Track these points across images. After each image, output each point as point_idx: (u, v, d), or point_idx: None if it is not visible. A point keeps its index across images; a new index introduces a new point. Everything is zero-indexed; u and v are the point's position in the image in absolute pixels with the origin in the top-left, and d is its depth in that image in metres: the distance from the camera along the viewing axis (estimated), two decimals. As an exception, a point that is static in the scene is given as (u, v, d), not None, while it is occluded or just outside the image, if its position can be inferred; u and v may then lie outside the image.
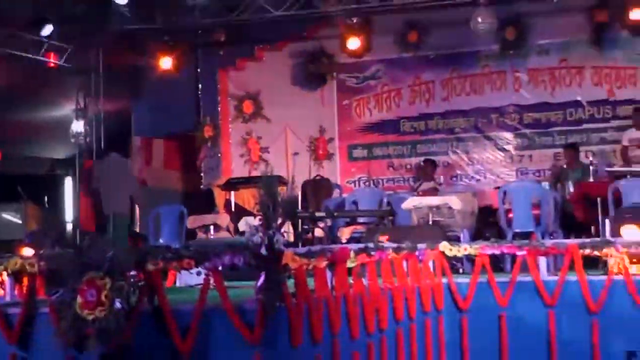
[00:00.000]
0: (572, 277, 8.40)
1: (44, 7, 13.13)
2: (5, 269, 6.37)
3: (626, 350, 8.00)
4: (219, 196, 14.55)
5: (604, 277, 8.41)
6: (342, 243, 11.17)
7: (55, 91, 14.91)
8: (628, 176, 11.61)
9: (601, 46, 14.13)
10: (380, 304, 7.30)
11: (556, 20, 14.28)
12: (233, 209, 13.39)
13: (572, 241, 8.83)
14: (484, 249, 8.72)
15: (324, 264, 6.43)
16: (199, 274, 5.98)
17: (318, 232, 12.38)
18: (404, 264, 8.03)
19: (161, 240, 12.10)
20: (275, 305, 5.72)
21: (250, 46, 15.99)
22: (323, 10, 14.22)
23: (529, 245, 8.75)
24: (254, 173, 15.56)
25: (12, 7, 12.77)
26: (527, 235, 10.63)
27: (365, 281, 7.20)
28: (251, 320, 5.75)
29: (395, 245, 8.00)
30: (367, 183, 15.53)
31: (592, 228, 11.27)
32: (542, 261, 8.75)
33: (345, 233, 12.40)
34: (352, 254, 6.93)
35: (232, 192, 13.51)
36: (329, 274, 6.58)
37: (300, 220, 12.11)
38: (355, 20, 14.53)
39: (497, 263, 9.20)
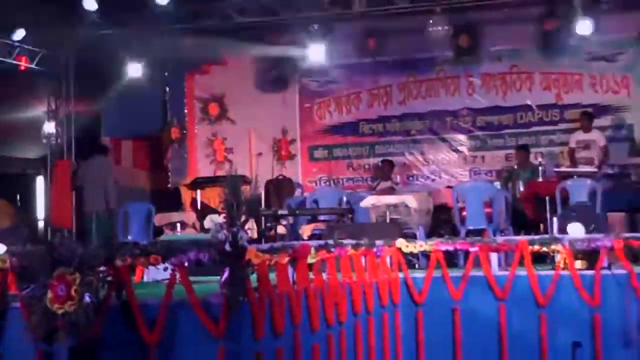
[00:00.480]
0: (522, 272, 8.45)
1: (16, 12, 13.01)
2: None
3: (572, 341, 8.04)
4: (186, 195, 14.51)
5: (551, 272, 8.47)
6: (303, 240, 11.16)
7: (27, 94, 14.80)
8: (574, 176, 11.70)
9: (549, 53, 14.22)
10: (339, 298, 7.30)
11: (507, 28, 14.36)
12: (199, 207, 13.34)
13: (522, 238, 8.87)
14: (439, 245, 8.75)
15: (285, 259, 6.43)
16: (165, 269, 5.96)
17: (280, 230, 12.37)
18: (362, 259, 8.04)
19: (130, 237, 12.03)
20: (239, 300, 5.70)
21: (215, 51, 15.92)
22: (286, 17, 14.21)
23: (481, 242, 8.79)
24: (219, 173, 15.52)
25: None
26: (479, 232, 10.69)
27: (325, 276, 7.20)
28: (216, 314, 5.73)
29: (354, 242, 8.01)
30: (327, 182, 15.54)
31: (541, 225, 11.33)
32: (494, 257, 8.80)
33: (306, 230, 12.39)
34: (312, 250, 6.94)
35: (198, 191, 13.46)
36: (290, 269, 6.58)
37: (263, 218, 12.10)
38: (316, 27, 14.53)
39: (451, 259, 9.22)
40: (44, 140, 15.07)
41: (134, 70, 14.71)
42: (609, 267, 8.35)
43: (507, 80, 14.86)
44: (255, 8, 14.12)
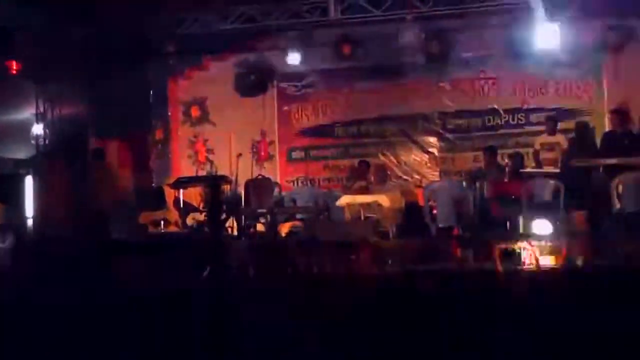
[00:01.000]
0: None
1: (6, 19, 12.94)
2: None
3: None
4: (169, 194, 14.44)
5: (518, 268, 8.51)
6: (281, 236, 11.17)
7: (16, 97, 14.73)
8: (539, 177, 11.75)
9: (515, 60, 14.26)
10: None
11: (476, 36, 14.37)
12: (182, 206, 13.31)
13: (490, 235, 8.92)
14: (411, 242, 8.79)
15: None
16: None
17: (260, 227, 12.37)
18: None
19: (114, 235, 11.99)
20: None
21: (197, 56, 15.92)
22: (265, 24, 14.21)
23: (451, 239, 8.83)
24: (201, 173, 15.49)
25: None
26: (449, 230, 10.71)
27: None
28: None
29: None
30: (304, 182, 15.52)
31: (507, 223, 11.36)
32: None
33: (284, 228, 12.41)
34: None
35: (181, 190, 13.42)
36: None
37: (243, 216, 12.10)
38: (294, 34, 14.53)
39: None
40: (33, 142, 15.01)
41: (120, 74, 14.65)
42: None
43: (475, 85, 14.90)
44: (236, 15, 14.11)
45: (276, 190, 14.32)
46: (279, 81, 15.65)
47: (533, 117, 14.44)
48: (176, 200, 13.57)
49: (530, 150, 13.73)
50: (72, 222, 13.29)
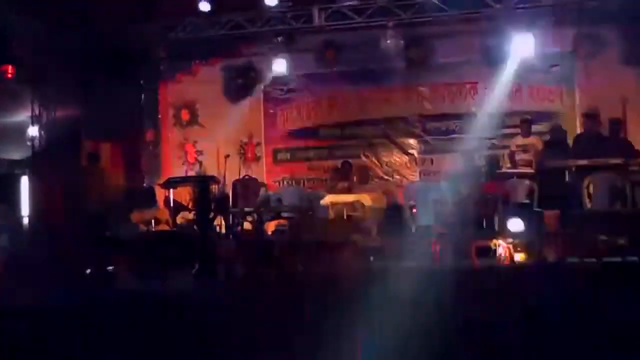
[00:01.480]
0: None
1: (2, 25, 12.91)
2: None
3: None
4: (160, 193, 14.42)
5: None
6: (267, 235, 11.17)
7: (12, 100, 14.69)
8: (514, 177, 11.80)
9: (492, 65, 14.30)
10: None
11: (454, 42, 14.40)
12: (172, 205, 13.30)
13: (467, 233, 8.95)
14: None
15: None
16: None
17: (247, 225, 12.37)
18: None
19: (107, 233, 11.98)
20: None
21: (187, 62, 15.92)
22: (252, 30, 14.21)
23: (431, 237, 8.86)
24: (190, 173, 15.50)
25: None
26: (428, 228, 10.73)
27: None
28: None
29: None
30: (290, 182, 15.53)
31: (484, 222, 11.39)
32: (442, 251, 8.88)
33: (270, 226, 12.42)
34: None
35: (171, 190, 13.40)
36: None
37: (231, 215, 12.10)
38: (279, 39, 14.55)
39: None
40: (28, 143, 14.97)
41: (113, 78, 14.63)
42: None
43: (453, 89, 14.94)
44: (224, 22, 14.12)
45: (262, 190, 14.33)
46: (265, 85, 15.64)
47: (508, 120, 14.46)
48: (166, 200, 13.56)
49: (506, 151, 13.77)
50: (66, 220, 13.28)
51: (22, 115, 15.08)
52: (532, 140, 13.22)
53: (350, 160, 14.52)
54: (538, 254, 8.41)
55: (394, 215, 12.56)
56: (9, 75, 14.19)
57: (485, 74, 14.57)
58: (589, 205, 10.60)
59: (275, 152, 15.79)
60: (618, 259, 8.39)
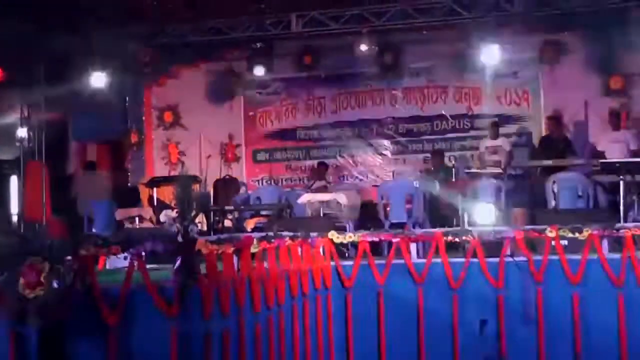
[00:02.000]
0: (437, 260, 8.53)
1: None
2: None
3: (480, 318, 8.14)
4: (144, 192, 14.36)
5: (463, 260, 8.55)
6: (247, 232, 11.13)
7: (2, 102, 14.58)
8: (483, 177, 11.82)
9: (461, 70, 14.35)
10: (278, 283, 7.31)
11: (425, 48, 14.45)
12: (155, 203, 13.23)
13: (437, 230, 8.95)
14: (365, 237, 8.80)
15: (231, 250, 6.42)
16: (125, 258, 5.93)
17: (227, 223, 12.32)
18: (299, 249, 8.05)
19: (94, 230, 11.91)
20: (190, 285, 5.70)
21: (170, 66, 15.84)
22: (232, 36, 14.18)
23: (402, 234, 8.86)
24: (173, 173, 15.45)
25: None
26: (401, 226, 10.72)
27: (266, 264, 7.20)
28: (169, 298, 5.72)
29: (291, 234, 8.02)
30: (268, 182, 15.51)
31: (454, 219, 11.41)
32: (413, 247, 8.88)
33: (250, 224, 12.37)
34: (255, 242, 6.94)
35: (155, 189, 13.34)
36: (235, 258, 6.58)
37: (212, 213, 12.05)
38: (259, 45, 14.52)
39: (376, 248, 9.27)
40: (18, 144, 14.87)
41: (99, 81, 14.56)
42: (511, 255, 8.46)
43: (424, 93, 14.96)
44: (206, 28, 14.08)
45: (242, 189, 14.30)
46: (246, 88, 15.63)
47: (477, 123, 14.51)
48: (150, 199, 13.50)
49: (475, 152, 13.82)
50: (53, 218, 13.21)
51: (12, 117, 14.97)
52: (500, 142, 13.27)
53: (326, 161, 14.52)
54: (504, 250, 8.41)
55: (368, 213, 12.56)
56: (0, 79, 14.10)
57: (454, 79, 14.63)
58: (553, 204, 10.63)
59: (255, 152, 15.76)
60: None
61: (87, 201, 12.46)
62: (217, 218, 12.07)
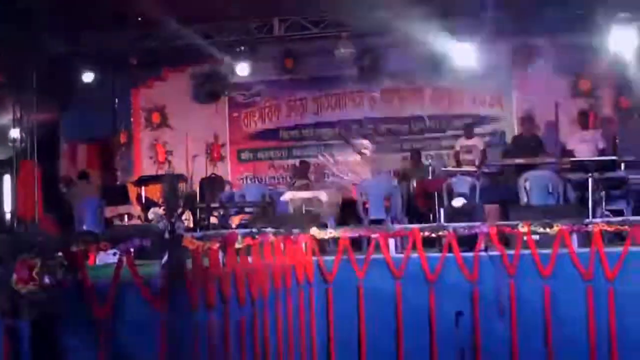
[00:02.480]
0: (415, 255, 8.53)
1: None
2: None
3: (456, 310, 8.14)
4: (132, 191, 14.31)
5: (439, 254, 8.56)
6: (232, 228, 11.11)
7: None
8: (458, 175, 11.86)
9: (437, 73, 14.40)
10: (262, 278, 7.30)
11: (402, 51, 14.47)
12: (143, 201, 13.21)
13: (415, 226, 8.95)
14: (346, 232, 8.80)
15: (216, 245, 6.41)
16: (114, 254, 5.91)
17: (213, 220, 12.31)
18: (282, 245, 8.04)
19: (84, 227, 11.85)
20: (177, 279, 5.68)
21: (157, 68, 15.81)
22: (217, 39, 14.15)
23: (381, 230, 8.86)
24: (160, 172, 15.41)
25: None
26: (379, 222, 10.74)
27: (250, 259, 7.19)
28: (157, 291, 5.70)
29: (275, 230, 8.01)
30: (252, 180, 15.50)
31: (430, 215, 11.45)
32: (391, 242, 8.88)
33: (235, 220, 12.36)
34: (239, 237, 6.92)
35: (143, 187, 13.31)
36: (220, 253, 6.56)
37: (198, 210, 12.03)
38: (243, 49, 14.50)
39: (356, 244, 9.26)
40: (10, 144, 14.81)
41: (89, 84, 14.52)
42: (485, 249, 8.48)
43: (402, 94, 15.00)
44: (191, 32, 14.05)
45: (227, 187, 14.28)
46: (230, 90, 15.62)
47: (453, 123, 14.56)
48: (138, 196, 13.47)
49: (451, 152, 13.86)
50: (45, 215, 13.14)
51: (5, 119, 14.90)
52: (474, 141, 13.32)
53: (308, 160, 14.53)
54: (479, 245, 8.43)
55: (348, 210, 12.57)
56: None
57: (431, 81, 14.67)
58: (525, 200, 10.68)
59: (239, 152, 15.75)
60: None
61: (81, 206, 12.39)
62: (203, 215, 12.06)
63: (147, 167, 15.89)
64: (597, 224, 8.45)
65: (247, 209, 12.35)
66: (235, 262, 6.74)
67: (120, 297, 5.74)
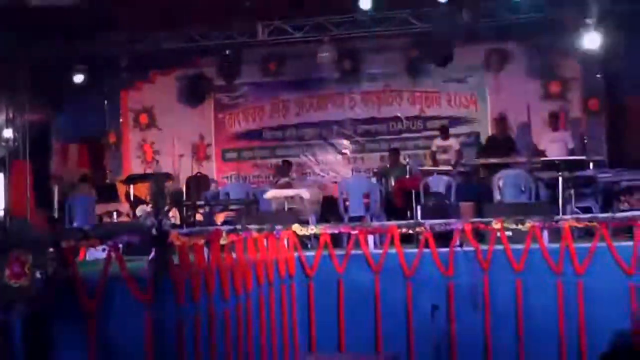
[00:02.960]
0: (393, 250, 8.57)
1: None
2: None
3: (432, 304, 8.19)
4: (121, 189, 14.26)
5: (416, 250, 8.60)
6: (217, 225, 11.11)
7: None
8: (435, 174, 11.90)
9: (414, 76, 14.46)
10: (246, 273, 7.32)
11: (381, 55, 14.53)
12: (132, 199, 13.16)
13: (393, 223, 8.99)
14: (327, 229, 8.83)
15: (202, 241, 6.41)
16: (103, 250, 5.91)
17: (199, 217, 12.29)
18: (265, 241, 8.06)
19: (75, 224, 11.81)
20: (163, 274, 5.69)
21: (146, 71, 15.75)
22: (203, 43, 14.13)
23: (361, 226, 8.89)
24: (148, 171, 15.34)
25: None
26: (359, 219, 10.76)
27: (234, 255, 7.20)
28: (145, 286, 5.70)
29: (258, 226, 8.02)
30: (237, 179, 15.46)
31: (408, 212, 11.47)
32: (370, 238, 8.91)
33: (219, 217, 12.35)
34: (224, 234, 6.93)
35: (131, 186, 13.27)
36: (205, 249, 6.57)
37: (184, 208, 12.02)
38: (228, 52, 14.48)
39: (336, 240, 9.29)
40: (3, 144, 14.72)
41: (79, 85, 14.45)
42: (460, 245, 8.52)
43: (381, 96, 15.00)
44: (178, 36, 14.02)
45: (213, 185, 14.26)
46: (215, 92, 15.59)
47: (429, 124, 14.59)
48: (127, 195, 13.42)
49: (428, 151, 13.88)
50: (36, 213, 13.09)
51: (-2, 119, 14.82)
52: (450, 142, 13.36)
53: (290, 159, 14.53)
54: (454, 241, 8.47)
55: (329, 207, 12.58)
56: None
57: (408, 84, 14.72)
58: (499, 198, 10.73)
59: (224, 152, 15.71)
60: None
61: (74, 206, 12.32)
62: (189, 212, 12.04)
63: (136, 166, 15.82)
64: (567, 220, 8.53)
65: (231, 207, 12.34)
66: (220, 258, 6.76)
67: (109, 292, 5.75)
